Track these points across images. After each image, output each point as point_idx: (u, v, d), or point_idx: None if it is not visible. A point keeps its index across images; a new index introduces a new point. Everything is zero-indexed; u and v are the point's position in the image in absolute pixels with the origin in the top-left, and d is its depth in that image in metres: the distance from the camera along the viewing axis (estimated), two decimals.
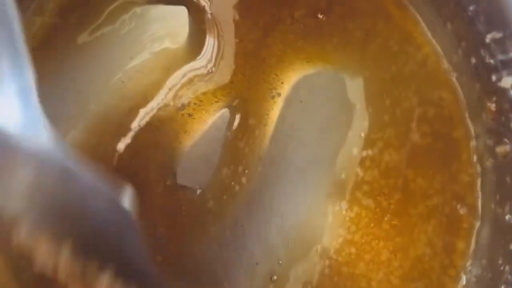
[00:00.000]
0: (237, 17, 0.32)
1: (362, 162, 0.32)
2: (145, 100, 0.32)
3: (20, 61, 0.20)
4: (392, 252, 0.32)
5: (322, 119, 0.33)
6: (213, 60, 0.32)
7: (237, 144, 0.32)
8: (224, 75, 0.32)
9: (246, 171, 0.32)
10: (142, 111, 0.32)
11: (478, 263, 0.31)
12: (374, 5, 0.32)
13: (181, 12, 0.32)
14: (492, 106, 0.30)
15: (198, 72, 0.32)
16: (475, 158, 0.32)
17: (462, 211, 0.32)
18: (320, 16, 0.32)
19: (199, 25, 0.32)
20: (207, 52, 0.32)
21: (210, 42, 0.32)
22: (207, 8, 0.32)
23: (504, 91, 0.29)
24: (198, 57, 0.32)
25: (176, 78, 0.32)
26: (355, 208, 0.32)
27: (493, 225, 0.31)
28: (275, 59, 0.32)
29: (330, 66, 0.33)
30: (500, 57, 0.28)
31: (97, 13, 0.32)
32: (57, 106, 0.32)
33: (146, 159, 0.32)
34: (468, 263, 0.32)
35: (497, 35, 0.28)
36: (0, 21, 0.19)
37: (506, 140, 0.30)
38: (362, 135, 0.32)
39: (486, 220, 0.31)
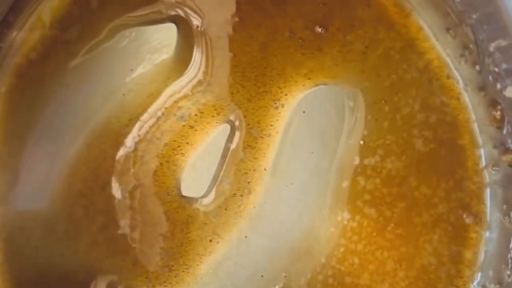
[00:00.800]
0: (230, 31, 0.32)
1: (363, 171, 0.32)
2: (144, 110, 0.32)
3: None
4: (397, 262, 0.32)
5: (324, 129, 0.33)
6: (203, 73, 0.32)
7: (239, 155, 0.32)
8: (222, 87, 0.32)
9: (249, 182, 0.32)
10: (141, 121, 0.32)
11: (485, 273, 0.31)
12: (375, 14, 0.32)
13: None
14: (497, 115, 0.30)
15: (194, 83, 0.32)
16: (481, 166, 0.32)
17: (468, 220, 0.31)
18: (318, 29, 0.32)
19: (188, 40, 0.32)
20: (194, 66, 0.32)
21: (197, 57, 0.32)
22: (198, 24, 0.32)
23: (508, 100, 0.28)
24: (185, 72, 0.32)
25: (175, 88, 0.32)
26: (357, 218, 0.32)
27: (501, 235, 0.31)
28: (276, 71, 0.32)
29: (331, 81, 0.32)
30: (504, 65, 0.28)
31: (97, 30, 0.32)
32: (58, 118, 0.32)
33: (148, 170, 0.32)
34: (476, 274, 0.31)
35: (501, 43, 0.27)
36: None
37: None
38: (361, 143, 0.32)
39: (493, 230, 0.31)
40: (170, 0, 0.32)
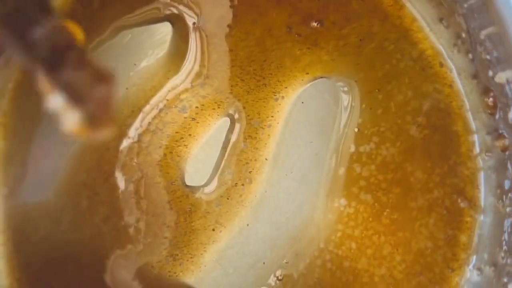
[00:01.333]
0: (226, 28, 0.33)
1: (358, 158, 0.33)
2: (146, 102, 0.33)
3: None
4: (394, 246, 0.32)
5: (322, 119, 0.33)
6: (200, 67, 0.33)
7: (240, 146, 0.33)
8: (221, 80, 0.33)
9: (251, 172, 0.33)
10: (144, 113, 0.33)
11: (480, 256, 0.32)
12: (370, 7, 0.33)
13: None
14: (490, 101, 0.30)
15: (192, 76, 0.33)
16: (475, 152, 0.32)
17: (463, 204, 0.32)
18: (314, 23, 0.33)
19: (183, 37, 0.33)
20: (189, 61, 0.33)
21: (192, 53, 0.33)
22: (194, 21, 0.33)
23: (500, 86, 0.29)
24: (181, 66, 0.33)
25: (176, 81, 0.33)
26: (353, 204, 0.33)
27: (495, 219, 0.31)
28: (275, 65, 0.33)
29: (328, 74, 0.33)
30: (495, 53, 0.28)
31: (101, 29, 0.33)
32: None
33: (151, 161, 0.33)
34: (471, 256, 0.32)
35: (491, 31, 0.28)
36: None
37: (504, 134, 0.30)
38: (356, 130, 0.33)
39: (488, 214, 0.32)
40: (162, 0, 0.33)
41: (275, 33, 0.33)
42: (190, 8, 0.33)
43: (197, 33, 0.33)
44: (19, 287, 0.32)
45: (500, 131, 0.30)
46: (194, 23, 0.32)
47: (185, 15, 0.33)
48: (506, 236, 0.30)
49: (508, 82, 0.28)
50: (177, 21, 0.33)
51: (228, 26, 0.33)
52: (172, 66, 0.33)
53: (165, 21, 0.33)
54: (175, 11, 0.33)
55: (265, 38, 0.33)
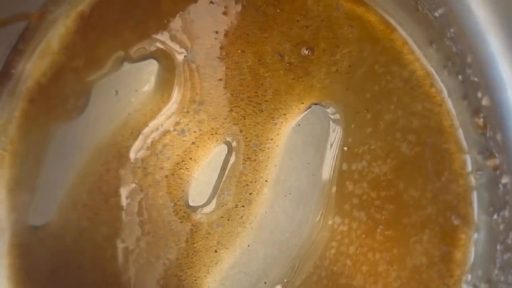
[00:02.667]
0: (216, 59, 0.34)
1: (350, 176, 0.34)
2: (145, 125, 0.34)
3: None
4: (389, 263, 0.33)
5: (318, 140, 0.34)
6: (192, 95, 0.34)
7: (239, 168, 0.34)
8: (215, 107, 0.34)
9: (251, 193, 0.34)
10: (143, 135, 0.34)
11: (475, 272, 0.32)
12: (360, 33, 0.34)
13: None
14: (480, 121, 0.31)
15: (186, 102, 0.34)
16: (467, 170, 0.33)
17: (456, 221, 0.33)
18: (305, 51, 0.34)
19: (170, 70, 0.34)
20: (180, 90, 0.34)
21: (182, 83, 0.34)
22: (186, 54, 0.34)
23: (489, 107, 0.30)
24: (171, 94, 0.34)
25: (172, 105, 0.34)
26: (347, 221, 0.33)
27: (488, 236, 0.32)
28: (270, 92, 0.34)
29: (320, 101, 0.34)
30: (481, 76, 0.29)
31: (101, 60, 0.34)
32: (69, 139, 0.34)
33: (152, 182, 0.34)
34: (466, 273, 0.33)
35: (476, 54, 0.29)
36: None
37: (495, 153, 0.31)
38: (345, 149, 0.34)
39: (481, 231, 0.32)
40: (154, 36, 0.34)
41: (266, 61, 0.34)
42: (179, 42, 0.34)
43: (187, 65, 0.34)
44: None
45: (491, 150, 0.31)
46: (185, 56, 0.34)
47: (173, 50, 0.34)
48: (499, 253, 0.31)
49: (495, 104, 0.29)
50: (161, 56, 0.34)
51: (218, 57, 0.34)
52: (164, 92, 0.34)
53: (151, 58, 0.35)
54: (161, 46, 0.34)
55: (257, 66, 0.34)
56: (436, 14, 0.31)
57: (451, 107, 0.33)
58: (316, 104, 0.34)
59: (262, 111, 0.34)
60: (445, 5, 0.29)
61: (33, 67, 0.34)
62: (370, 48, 0.34)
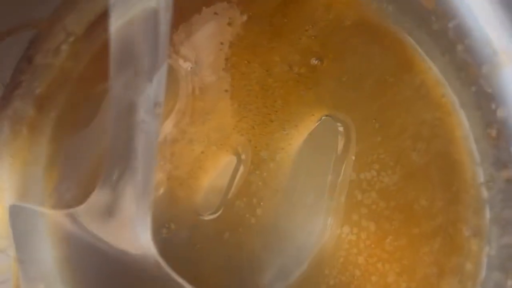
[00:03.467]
0: (222, 70, 0.33)
1: (358, 186, 0.34)
2: None
3: None
4: (399, 274, 0.33)
5: (328, 149, 0.34)
6: (198, 104, 0.34)
7: (250, 177, 0.34)
8: (222, 117, 0.34)
9: (262, 203, 0.34)
10: None
11: (487, 285, 0.32)
12: (371, 41, 0.33)
13: None
14: (493, 132, 0.31)
15: (190, 111, 0.34)
16: (478, 181, 0.33)
17: (467, 233, 0.33)
18: (315, 61, 0.33)
19: (176, 82, 0.34)
20: (185, 99, 0.34)
21: (188, 92, 0.34)
22: (192, 66, 0.34)
23: (503, 119, 0.29)
24: (175, 109, 0.34)
25: (178, 115, 0.34)
26: (356, 230, 0.33)
27: (500, 248, 0.32)
28: (280, 103, 0.34)
29: (330, 112, 0.34)
30: (496, 87, 0.29)
31: None
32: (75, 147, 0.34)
33: (163, 193, 0.34)
34: (477, 285, 0.32)
35: (490, 66, 0.28)
36: None
37: (508, 164, 0.30)
38: (353, 158, 0.34)
39: (493, 244, 0.32)
40: None
41: (275, 71, 0.34)
42: (184, 54, 0.34)
43: (192, 77, 0.34)
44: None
45: (504, 162, 0.30)
46: (190, 68, 0.34)
47: (178, 62, 0.34)
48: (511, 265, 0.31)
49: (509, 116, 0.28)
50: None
51: (223, 68, 0.34)
52: (169, 102, 0.34)
53: None
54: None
55: (265, 77, 0.34)
56: (450, 25, 0.30)
57: (464, 117, 0.33)
58: (327, 115, 0.34)
59: (272, 121, 0.34)
60: (457, 17, 0.29)
61: (43, 75, 0.35)
62: (380, 58, 0.34)
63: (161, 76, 0.25)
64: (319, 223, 0.34)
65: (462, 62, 0.31)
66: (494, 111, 0.30)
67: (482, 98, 0.30)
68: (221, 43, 0.34)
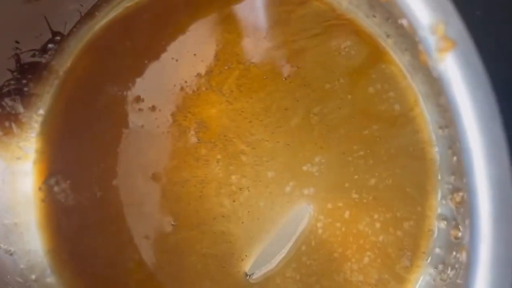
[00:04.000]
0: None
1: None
2: None
3: None
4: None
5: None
6: None
7: (229, 168, 0.36)
8: None
9: (242, 193, 0.36)
10: None
11: None
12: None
13: None
14: (458, 197, 0.32)
15: None
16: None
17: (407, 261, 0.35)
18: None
19: None
20: None
21: None
22: None
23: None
24: None
25: None
26: (334, 216, 0.35)
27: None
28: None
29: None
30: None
31: None
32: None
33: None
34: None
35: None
36: None
37: (460, 227, 0.31)
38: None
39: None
40: None
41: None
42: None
43: None
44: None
45: (458, 224, 0.32)
46: None
47: None
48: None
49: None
50: None
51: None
52: None
53: None
54: None
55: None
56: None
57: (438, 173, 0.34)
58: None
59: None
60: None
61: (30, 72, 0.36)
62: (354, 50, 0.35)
63: None
64: (298, 210, 0.36)
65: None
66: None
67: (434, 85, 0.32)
68: None
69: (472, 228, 0.21)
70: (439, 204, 0.34)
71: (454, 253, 0.30)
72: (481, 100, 0.20)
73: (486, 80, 0.20)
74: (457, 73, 0.20)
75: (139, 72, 0.36)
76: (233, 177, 0.36)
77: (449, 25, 0.20)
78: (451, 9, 0.20)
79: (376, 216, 0.35)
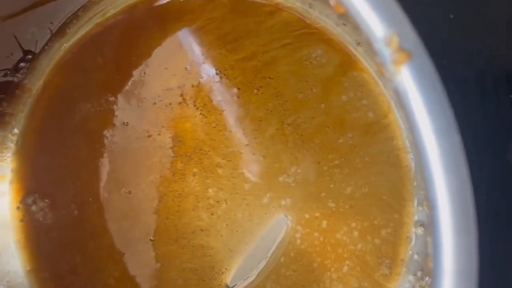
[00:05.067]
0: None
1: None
2: None
3: None
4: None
5: None
6: None
7: (206, 181, 0.36)
8: None
9: (220, 206, 0.36)
10: None
11: None
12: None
13: None
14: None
15: None
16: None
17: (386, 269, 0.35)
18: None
19: None
20: None
21: None
22: None
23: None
24: None
25: None
26: (312, 226, 0.35)
27: None
28: None
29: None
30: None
31: None
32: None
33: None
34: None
35: None
36: None
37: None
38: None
39: None
40: None
41: None
42: None
43: None
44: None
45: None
46: None
47: None
48: None
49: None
50: None
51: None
52: None
53: None
54: None
55: None
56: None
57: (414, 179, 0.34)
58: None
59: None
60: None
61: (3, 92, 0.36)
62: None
63: None
64: (276, 221, 0.36)
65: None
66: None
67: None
68: None
69: (435, 240, 0.21)
70: (416, 210, 0.34)
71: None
72: (438, 112, 0.20)
73: (442, 91, 0.20)
74: (413, 85, 0.20)
75: (111, 88, 0.36)
76: (210, 190, 0.36)
77: (403, 37, 0.20)
78: (405, 21, 0.20)
79: (353, 225, 0.34)
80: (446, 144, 0.20)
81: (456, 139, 0.20)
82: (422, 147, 0.21)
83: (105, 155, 0.37)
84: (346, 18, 0.23)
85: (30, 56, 0.37)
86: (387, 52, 0.21)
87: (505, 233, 0.33)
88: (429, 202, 0.21)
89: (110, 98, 0.36)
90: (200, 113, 0.36)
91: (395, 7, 0.20)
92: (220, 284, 0.36)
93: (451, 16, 0.39)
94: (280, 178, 0.35)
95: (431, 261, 0.22)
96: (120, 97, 0.36)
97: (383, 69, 0.21)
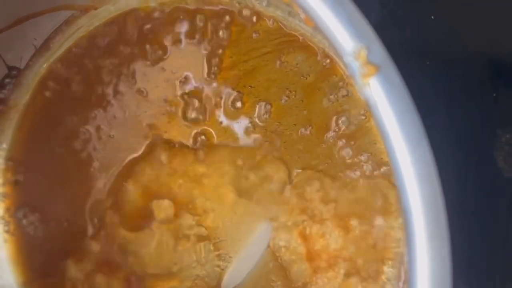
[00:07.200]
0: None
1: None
2: None
3: None
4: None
5: None
6: None
7: (192, 192, 0.36)
8: None
9: (209, 214, 0.36)
10: None
11: None
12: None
13: None
14: None
15: None
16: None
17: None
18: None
19: None
20: None
21: None
22: None
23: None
24: None
25: None
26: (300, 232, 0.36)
27: None
28: None
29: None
30: None
31: None
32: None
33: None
34: None
35: None
36: None
37: None
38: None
39: None
40: None
41: None
42: None
43: None
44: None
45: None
46: None
47: None
48: None
49: None
50: None
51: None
52: None
53: None
54: None
55: None
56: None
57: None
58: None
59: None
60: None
61: None
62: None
63: None
64: (264, 227, 0.36)
65: None
66: None
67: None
68: None
69: (409, 247, 0.21)
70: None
71: None
72: (408, 122, 0.21)
73: (411, 102, 0.21)
74: (383, 96, 0.21)
75: (97, 101, 0.37)
76: (197, 200, 0.36)
77: (371, 51, 0.21)
78: (372, 34, 0.21)
79: (338, 231, 0.35)
80: (417, 153, 0.20)
81: (426, 148, 0.20)
82: (393, 155, 0.21)
83: (93, 167, 0.37)
84: (319, 30, 0.23)
85: (15, 72, 0.37)
86: (356, 66, 0.21)
87: (481, 234, 0.34)
88: (403, 209, 0.21)
89: (95, 111, 0.37)
90: (185, 124, 0.36)
91: (363, 21, 0.21)
92: None
93: (432, 17, 0.40)
94: (265, 185, 0.36)
95: (407, 268, 0.22)
96: (105, 111, 0.37)
97: (353, 81, 0.22)
